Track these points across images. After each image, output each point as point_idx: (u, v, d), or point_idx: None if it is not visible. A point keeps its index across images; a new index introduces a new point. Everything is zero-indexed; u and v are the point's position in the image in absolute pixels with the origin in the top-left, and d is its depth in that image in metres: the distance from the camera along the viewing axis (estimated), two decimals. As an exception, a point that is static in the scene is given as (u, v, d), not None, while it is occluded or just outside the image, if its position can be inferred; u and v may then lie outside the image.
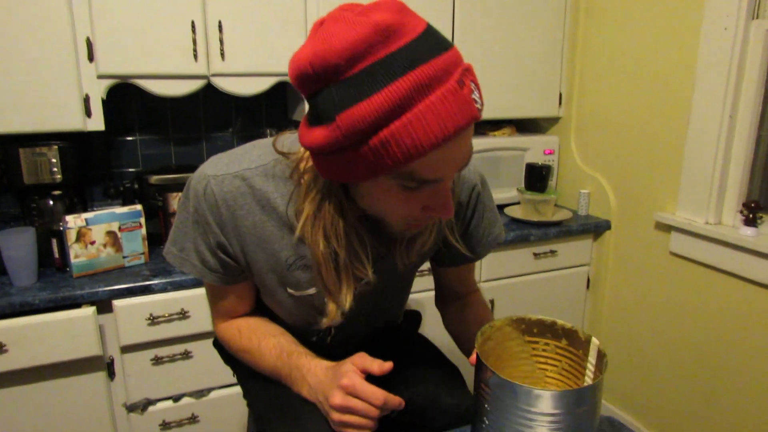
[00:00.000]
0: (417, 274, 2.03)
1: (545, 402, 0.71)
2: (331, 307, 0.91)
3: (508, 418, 0.73)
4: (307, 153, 0.81)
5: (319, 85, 0.66)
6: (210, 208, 0.87)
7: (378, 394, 0.81)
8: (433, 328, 1.99)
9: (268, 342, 0.97)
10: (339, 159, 0.69)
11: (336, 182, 0.79)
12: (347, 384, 0.82)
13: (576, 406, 0.72)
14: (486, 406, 0.76)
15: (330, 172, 0.73)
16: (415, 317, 1.36)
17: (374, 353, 1.17)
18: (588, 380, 0.87)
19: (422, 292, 1.96)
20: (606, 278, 2.22)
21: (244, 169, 0.87)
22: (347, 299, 0.88)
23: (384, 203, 0.76)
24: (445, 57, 0.65)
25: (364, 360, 0.86)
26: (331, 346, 1.08)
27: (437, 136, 0.63)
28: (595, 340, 0.83)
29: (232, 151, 0.91)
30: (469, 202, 1.01)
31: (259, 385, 1.01)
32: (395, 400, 0.83)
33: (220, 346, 1.22)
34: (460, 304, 1.17)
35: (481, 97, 0.70)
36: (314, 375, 0.89)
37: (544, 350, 0.90)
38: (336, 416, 0.83)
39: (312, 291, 0.95)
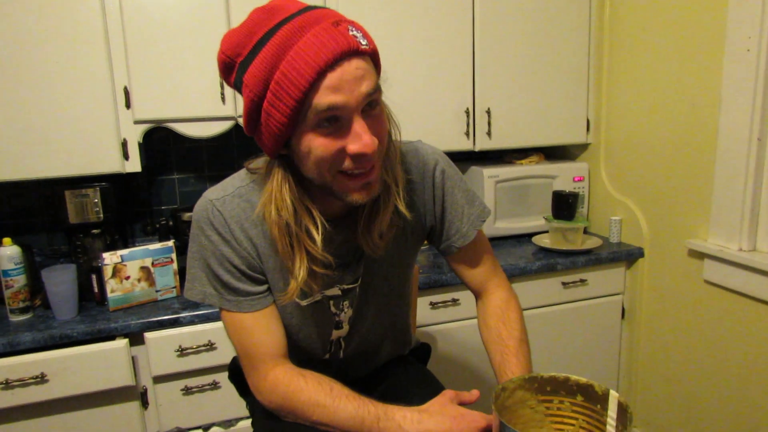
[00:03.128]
0: (429, 306, 2.02)
1: None
2: (292, 285, 0.92)
3: None
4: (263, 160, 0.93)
5: (232, 70, 0.82)
6: (222, 228, 0.93)
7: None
8: (443, 362, 1.98)
9: (341, 390, 0.94)
10: (259, 116, 0.80)
11: (275, 154, 0.86)
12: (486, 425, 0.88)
13: None
14: None
15: (262, 135, 0.83)
16: (425, 350, 1.36)
17: (379, 383, 1.18)
18: (609, 435, 0.84)
19: (433, 325, 1.96)
20: (641, 308, 2.14)
21: (238, 188, 0.96)
22: (300, 273, 0.90)
23: (314, 155, 0.81)
24: (317, 11, 0.79)
25: (454, 394, 0.95)
26: (345, 363, 1.11)
27: (317, 62, 0.75)
28: (614, 393, 0.80)
29: (221, 182, 0.99)
30: (434, 179, 1.03)
31: (272, 423, 1.02)
32: None
33: (235, 379, 1.26)
34: (480, 305, 1.14)
35: (366, 36, 0.80)
36: (416, 422, 0.89)
37: (558, 409, 0.86)
38: None
39: (318, 297, 1.00)
